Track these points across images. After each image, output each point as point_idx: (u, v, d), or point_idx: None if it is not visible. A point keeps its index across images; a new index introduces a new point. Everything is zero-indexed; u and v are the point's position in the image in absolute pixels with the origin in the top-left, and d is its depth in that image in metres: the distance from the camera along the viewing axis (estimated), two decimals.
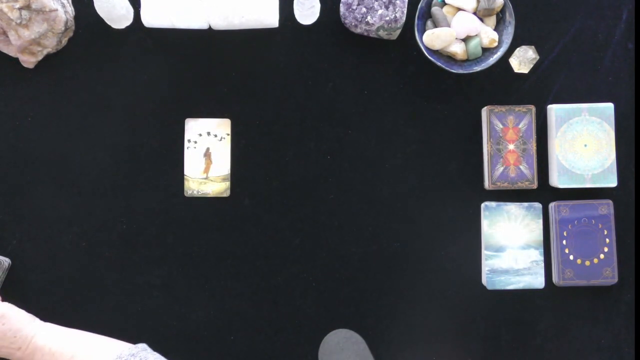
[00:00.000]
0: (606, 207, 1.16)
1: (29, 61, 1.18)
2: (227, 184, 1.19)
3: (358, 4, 1.16)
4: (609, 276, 1.16)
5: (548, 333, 1.18)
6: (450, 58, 1.18)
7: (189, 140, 1.20)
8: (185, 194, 1.19)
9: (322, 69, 1.21)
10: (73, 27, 1.20)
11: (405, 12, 1.16)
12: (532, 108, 1.18)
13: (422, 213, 1.20)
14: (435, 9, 1.16)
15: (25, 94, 1.20)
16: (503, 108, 1.17)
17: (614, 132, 1.17)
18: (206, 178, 1.19)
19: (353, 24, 1.17)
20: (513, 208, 1.17)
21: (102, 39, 1.20)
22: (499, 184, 1.17)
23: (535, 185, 1.17)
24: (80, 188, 1.19)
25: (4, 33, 1.16)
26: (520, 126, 1.17)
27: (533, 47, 1.20)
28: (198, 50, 1.20)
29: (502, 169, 1.17)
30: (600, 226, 1.16)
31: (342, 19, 1.18)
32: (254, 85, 1.21)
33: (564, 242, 1.16)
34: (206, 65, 1.20)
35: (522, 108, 1.17)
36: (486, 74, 1.20)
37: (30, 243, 1.18)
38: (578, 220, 1.16)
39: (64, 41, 1.19)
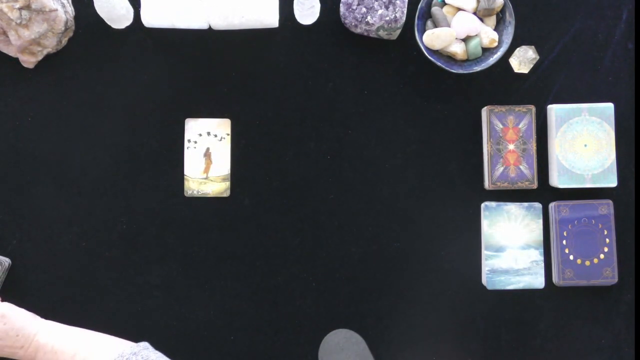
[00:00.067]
0: (606, 207, 1.16)
1: (29, 61, 1.18)
2: (227, 184, 1.19)
3: (358, 4, 1.16)
4: (609, 276, 1.16)
5: (548, 333, 1.18)
6: (450, 58, 1.18)
7: (189, 140, 1.20)
8: (185, 194, 1.19)
9: (322, 69, 1.21)
10: (73, 27, 1.20)
11: (405, 12, 1.16)
12: (532, 108, 1.18)
13: (422, 213, 1.20)
14: (435, 9, 1.16)
15: (25, 94, 1.20)
16: (503, 108, 1.17)
17: (614, 132, 1.17)
18: (206, 178, 1.19)
19: (353, 24, 1.17)
20: (513, 208, 1.17)
21: (102, 39, 1.20)
22: (499, 184, 1.17)
23: (535, 185, 1.17)
24: (80, 188, 1.19)
25: (4, 33, 1.16)
26: (520, 126, 1.17)
27: (533, 47, 1.20)
28: (198, 50, 1.20)
29: (502, 169, 1.17)
30: (600, 226, 1.16)
31: (342, 19, 1.18)
32: (254, 85, 1.21)
33: (564, 242, 1.16)
34: (206, 65, 1.20)
35: (522, 108, 1.17)
36: (486, 74, 1.20)
37: (30, 243, 1.18)
38: (578, 220, 1.16)
39: (64, 41, 1.19)
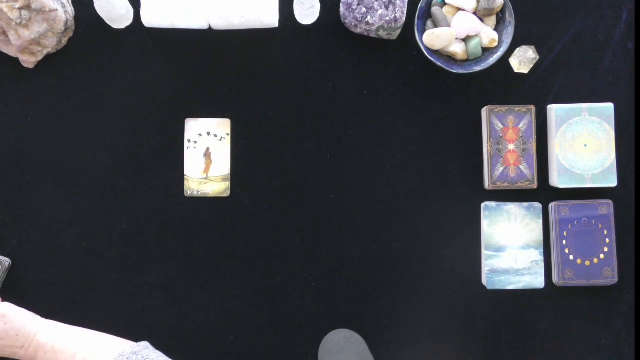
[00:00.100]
0: (606, 207, 1.16)
1: (29, 61, 1.18)
2: (227, 184, 1.19)
3: (358, 4, 1.16)
4: (609, 276, 1.16)
5: (548, 333, 1.18)
6: (450, 58, 1.18)
7: (189, 140, 1.20)
8: (185, 194, 1.19)
9: (322, 69, 1.21)
10: (73, 27, 1.20)
11: (405, 12, 1.16)
12: (532, 108, 1.18)
13: (422, 213, 1.20)
14: (435, 9, 1.16)
15: (25, 94, 1.20)
16: (503, 108, 1.17)
17: (614, 132, 1.17)
18: (206, 178, 1.19)
19: (353, 24, 1.17)
20: (513, 208, 1.17)
21: (102, 39, 1.20)
22: (499, 184, 1.17)
23: (535, 185, 1.17)
24: (80, 188, 1.19)
25: (4, 33, 1.16)
26: (520, 126, 1.17)
27: (533, 47, 1.20)
28: (198, 50, 1.20)
29: (502, 169, 1.17)
30: (600, 226, 1.16)
31: (342, 19, 1.18)
32: (254, 85, 1.21)
33: (564, 242, 1.16)
34: (206, 65, 1.20)
35: (522, 108, 1.17)
36: (486, 74, 1.20)
37: (30, 243, 1.18)
38: (578, 220, 1.16)
39: (64, 41, 1.19)
